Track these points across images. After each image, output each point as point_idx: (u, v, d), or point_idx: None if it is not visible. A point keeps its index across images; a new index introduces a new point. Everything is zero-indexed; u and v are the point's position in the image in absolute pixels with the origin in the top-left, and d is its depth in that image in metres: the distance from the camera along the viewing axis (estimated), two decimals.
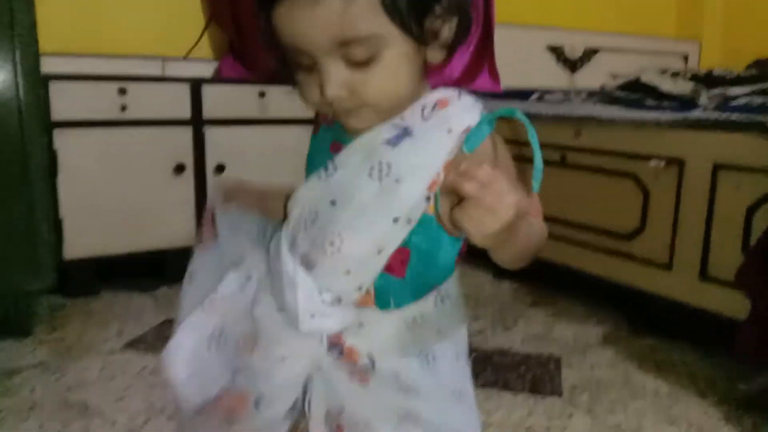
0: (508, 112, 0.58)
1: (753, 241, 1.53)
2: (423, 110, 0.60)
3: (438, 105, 0.60)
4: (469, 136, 0.59)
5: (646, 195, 1.82)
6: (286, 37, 0.55)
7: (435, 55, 0.60)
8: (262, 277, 0.67)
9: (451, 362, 0.68)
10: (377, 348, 0.64)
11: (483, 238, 0.52)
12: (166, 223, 2.12)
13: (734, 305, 1.48)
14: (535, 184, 0.59)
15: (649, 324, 1.84)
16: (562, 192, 2.08)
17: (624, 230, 1.88)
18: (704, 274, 1.68)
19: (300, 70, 0.57)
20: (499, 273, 2.33)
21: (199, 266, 0.72)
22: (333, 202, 0.60)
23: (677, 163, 1.73)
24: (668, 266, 1.76)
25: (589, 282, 2.00)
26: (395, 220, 0.58)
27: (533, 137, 0.58)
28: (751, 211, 1.57)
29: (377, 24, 0.53)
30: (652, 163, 1.78)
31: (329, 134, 0.64)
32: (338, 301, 0.61)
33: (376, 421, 0.64)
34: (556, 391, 1.47)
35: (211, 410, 0.68)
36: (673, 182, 1.75)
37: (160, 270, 2.17)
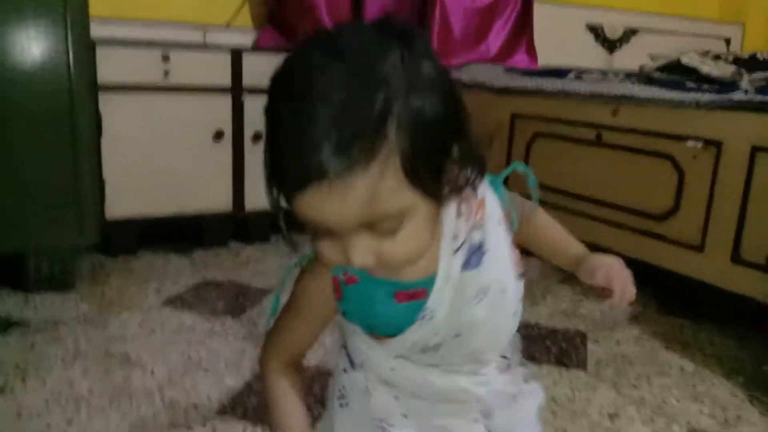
0: (518, 167, 0.69)
1: None
2: (467, 221, 0.60)
3: (479, 208, 0.61)
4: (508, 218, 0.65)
5: (681, 176, 1.81)
6: (307, 219, 0.52)
7: (449, 200, 0.57)
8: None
9: None
10: None
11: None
12: (204, 189, 2.17)
13: (766, 289, 1.48)
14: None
15: (679, 305, 1.85)
16: (596, 171, 2.08)
17: (657, 211, 1.88)
18: (736, 257, 1.67)
19: (320, 238, 0.55)
20: (528, 251, 2.35)
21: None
22: (458, 335, 0.62)
23: (715, 145, 1.72)
24: (700, 248, 1.76)
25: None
26: (514, 313, 0.65)
27: (531, 180, 0.70)
28: None
29: (403, 198, 0.51)
30: (690, 144, 1.77)
31: (378, 287, 0.61)
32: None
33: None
34: (581, 365, 1.50)
35: None
36: (709, 164, 1.73)
37: (197, 233, 2.23)
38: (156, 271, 2.00)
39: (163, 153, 2.09)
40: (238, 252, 2.21)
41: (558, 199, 2.22)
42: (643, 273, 1.93)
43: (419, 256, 0.57)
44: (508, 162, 2.40)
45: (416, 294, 0.61)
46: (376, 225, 0.52)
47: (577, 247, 0.75)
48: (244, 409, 1.25)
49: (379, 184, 0.49)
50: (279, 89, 0.52)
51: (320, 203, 0.49)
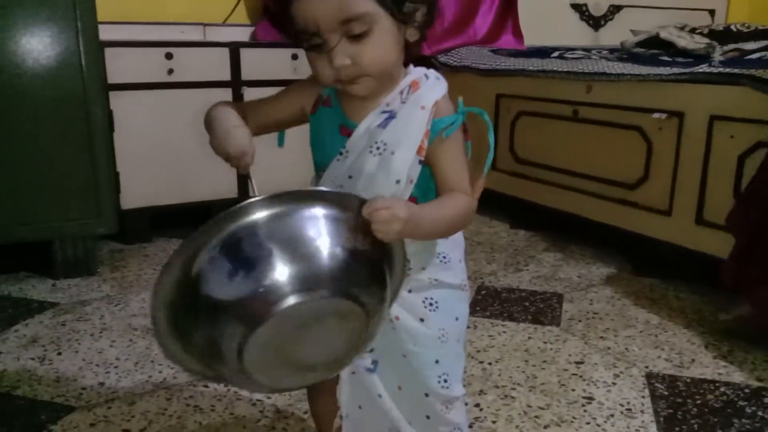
0: (478, 112, 0.81)
1: (743, 187, 1.66)
2: (401, 94, 0.78)
3: (412, 87, 0.79)
4: (448, 125, 0.78)
5: (649, 146, 1.95)
6: (300, 22, 0.72)
7: (411, 34, 0.78)
8: None
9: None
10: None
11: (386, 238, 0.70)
12: (211, 177, 2.33)
13: (727, 247, 1.61)
14: (485, 170, 0.84)
15: (651, 266, 2.00)
16: (573, 145, 2.22)
17: (629, 180, 2.02)
18: (700, 220, 1.82)
19: (312, 52, 0.75)
20: (516, 223, 2.50)
21: None
22: (350, 177, 0.79)
23: (678, 116, 1.86)
24: (668, 213, 1.91)
25: (598, 229, 2.16)
26: (397, 181, 0.77)
27: (491, 134, 0.82)
28: (742, 159, 1.70)
29: (369, 5, 0.71)
30: (655, 115, 1.90)
31: (333, 117, 0.82)
32: None
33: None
34: (555, 322, 1.65)
35: None
36: (673, 134, 1.87)
37: (206, 219, 2.39)
38: (169, 254, 2.16)
39: (171, 145, 2.26)
40: None
41: (540, 173, 2.37)
42: (619, 238, 2.10)
43: (384, 65, 0.75)
44: (495, 141, 2.54)
45: (350, 133, 0.79)
46: (348, 27, 0.71)
47: (423, 205, 0.78)
48: None
49: None
50: None
51: (308, 5, 0.70)
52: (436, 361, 0.84)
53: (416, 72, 0.81)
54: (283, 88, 0.87)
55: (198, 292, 0.64)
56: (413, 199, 0.80)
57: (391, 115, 0.77)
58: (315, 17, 0.71)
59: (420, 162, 0.78)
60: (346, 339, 0.69)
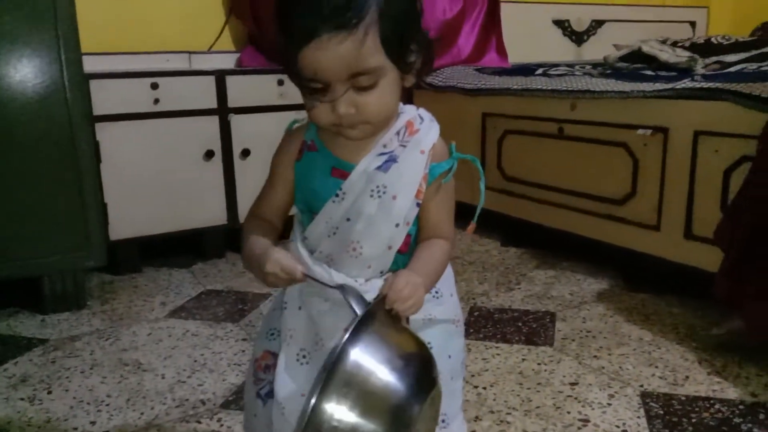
0: (471, 159, 0.83)
1: (730, 201, 1.67)
2: (398, 135, 0.79)
3: (408, 129, 0.79)
4: (446, 171, 0.81)
5: (635, 162, 1.97)
6: (308, 70, 0.71)
7: (409, 80, 0.78)
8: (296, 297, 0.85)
9: None
10: None
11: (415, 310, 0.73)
12: (200, 205, 2.33)
13: (716, 261, 1.61)
14: (476, 216, 0.86)
15: (642, 281, 2.00)
16: (560, 162, 2.23)
17: (617, 196, 2.03)
18: (689, 234, 1.83)
19: (312, 96, 0.74)
20: (507, 241, 2.51)
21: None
22: (348, 219, 0.79)
23: (662, 131, 1.87)
24: (657, 227, 1.92)
25: (588, 245, 2.17)
26: (396, 225, 0.78)
27: (482, 183, 0.84)
28: (728, 174, 1.71)
29: (380, 59, 0.71)
30: (640, 132, 1.92)
31: (322, 160, 0.81)
32: (367, 281, 0.81)
33: None
34: (549, 342, 1.65)
35: None
36: (659, 149, 1.89)
37: (196, 247, 2.39)
38: (160, 285, 2.16)
39: (159, 175, 2.25)
40: (235, 262, 2.38)
41: (529, 190, 2.38)
42: (609, 254, 2.10)
43: (387, 115, 0.77)
44: (482, 160, 2.55)
45: (344, 174, 0.79)
46: (357, 79, 0.71)
47: (415, 262, 0.80)
48: None
49: (362, 43, 0.69)
50: None
51: (319, 54, 0.69)
52: None
53: (409, 111, 0.81)
54: (271, 162, 0.87)
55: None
56: (408, 236, 0.81)
57: (392, 158, 0.78)
58: (325, 68, 0.70)
59: (417, 204, 0.79)
60: (435, 416, 0.74)
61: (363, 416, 0.65)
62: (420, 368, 0.70)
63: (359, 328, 0.67)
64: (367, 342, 0.67)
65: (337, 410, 0.64)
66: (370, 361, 0.67)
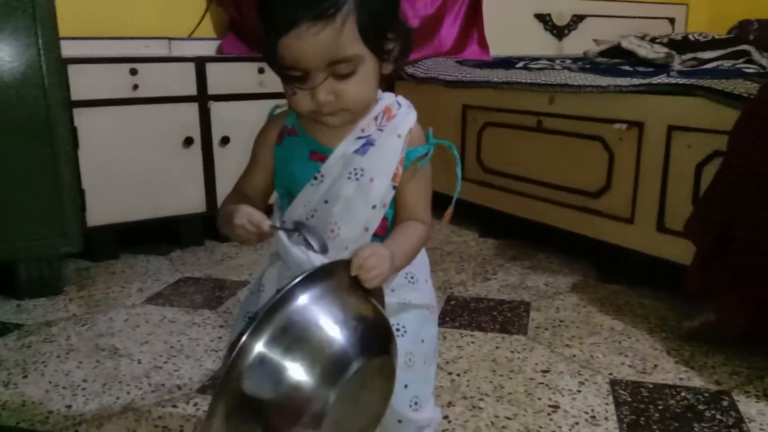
0: (447, 145, 0.85)
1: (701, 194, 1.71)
2: (376, 120, 0.81)
3: (386, 114, 0.81)
4: (422, 155, 0.82)
5: (611, 156, 2.00)
6: (288, 58, 0.72)
7: (387, 67, 0.80)
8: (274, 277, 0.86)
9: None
10: None
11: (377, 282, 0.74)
12: (178, 192, 2.32)
13: (688, 254, 1.65)
14: (453, 201, 0.89)
15: (616, 273, 2.04)
16: (538, 155, 2.26)
17: (592, 188, 2.06)
18: (661, 227, 1.87)
19: (293, 83, 0.75)
20: (485, 232, 2.54)
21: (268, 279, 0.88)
22: (326, 201, 0.80)
23: (638, 126, 1.90)
24: (630, 220, 1.95)
25: (564, 237, 2.20)
26: (373, 207, 0.80)
27: (459, 168, 0.88)
28: (700, 168, 1.75)
29: (358, 48, 0.73)
30: (616, 126, 1.95)
31: (302, 144, 0.83)
32: None
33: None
34: (522, 331, 1.68)
35: None
36: (634, 143, 1.92)
37: (174, 235, 2.39)
38: (137, 272, 2.15)
39: (138, 161, 2.24)
40: (214, 249, 2.38)
41: (507, 182, 2.41)
42: (584, 246, 2.14)
43: (365, 102, 0.78)
44: (462, 151, 2.57)
45: (323, 158, 0.81)
46: (336, 67, 0.72)
47: (388, 240, 0.81)
48: None
49: (340, 32, 0.70)
50: None
51: (298, 43, 0.71)
52: (405, 386, 0.86)
53: (387, 98, 0.83)
54: (251, 152, 0.88)
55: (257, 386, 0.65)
56: (385, 220, 0.83)
57: (369, 142, 0.80)
58: (304, 57, 0.72)
59: (394, 187, 0.81)
60: (385, 392, 0.74)
61: (293, 361, 0.64)
62: (371, 333, 0.70)
63: (312, 277, 0.67)
64: (318, 294, 0.67)
65: (269, 350, 0.63)
66: (316, 311, 0.66)
